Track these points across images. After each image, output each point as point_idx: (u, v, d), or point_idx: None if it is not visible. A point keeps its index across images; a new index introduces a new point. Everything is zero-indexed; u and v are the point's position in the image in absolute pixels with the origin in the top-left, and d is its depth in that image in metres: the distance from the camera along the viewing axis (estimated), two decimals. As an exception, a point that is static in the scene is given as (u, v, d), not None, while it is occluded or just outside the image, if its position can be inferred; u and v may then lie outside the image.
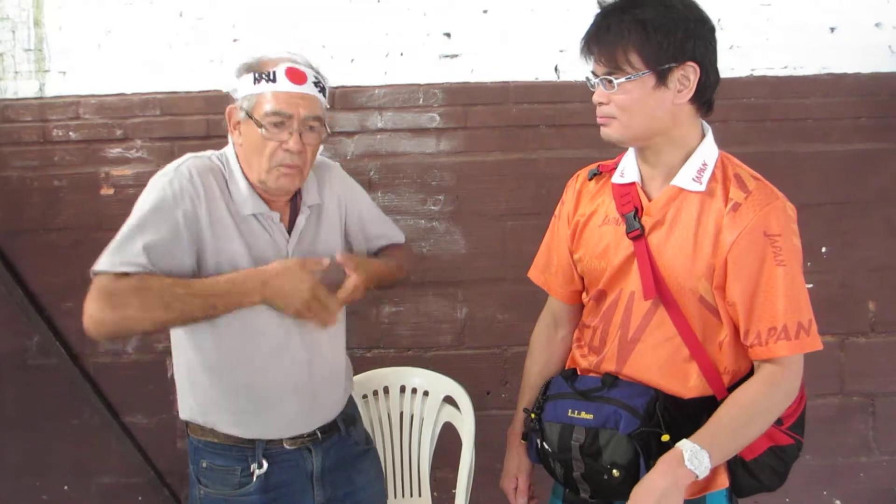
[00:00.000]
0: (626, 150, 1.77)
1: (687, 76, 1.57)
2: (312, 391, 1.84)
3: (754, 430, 1.62)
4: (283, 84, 1.71)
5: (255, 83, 1.72)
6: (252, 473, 1.80)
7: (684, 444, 1.54)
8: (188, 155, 1.78)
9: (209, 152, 1.82)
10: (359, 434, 2.00)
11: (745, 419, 1.60)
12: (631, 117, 1.60)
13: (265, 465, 1.80)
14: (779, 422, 1.67)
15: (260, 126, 1.71)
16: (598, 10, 1.64)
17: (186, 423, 1.87)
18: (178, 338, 1.81)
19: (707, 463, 1.53)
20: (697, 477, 1.53)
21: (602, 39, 1.60)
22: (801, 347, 1.58)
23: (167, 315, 1.62)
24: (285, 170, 1.73)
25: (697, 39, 1.57)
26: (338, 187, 1.96)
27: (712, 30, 1.62)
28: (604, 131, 1.66)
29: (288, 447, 1.83)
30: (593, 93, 1.65)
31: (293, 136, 1.71)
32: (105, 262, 1.64)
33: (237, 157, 1.80)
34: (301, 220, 1.83)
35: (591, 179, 1.82)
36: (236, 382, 1.78)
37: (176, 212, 1.68)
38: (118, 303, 1.59)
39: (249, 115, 1.72)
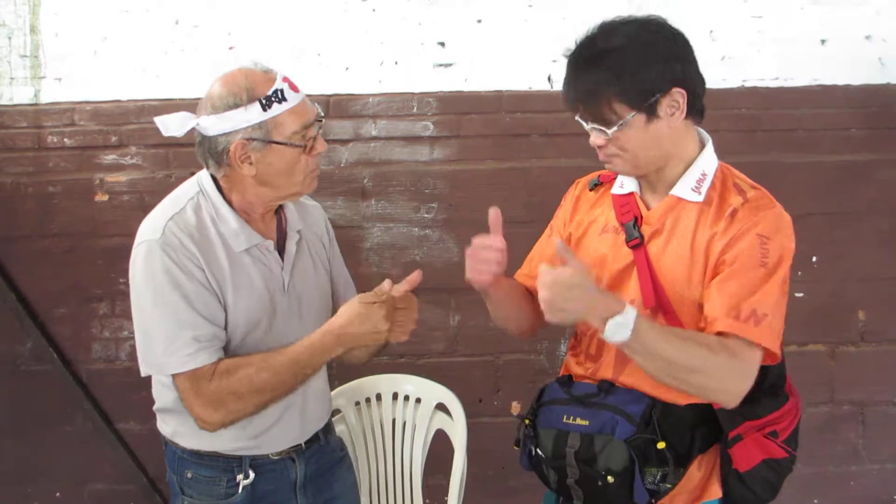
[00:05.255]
0: None
1: (675, 100, 1.57)
2: (304, 408, 1.86)
3: (682, 363, 1.50)
4: (292, 98, 1.68)
5: (265, 109, 1.64)
6: (238, 484, 1.80)
7: (630, 310, 1.47)
8: (165, 217, 1.70)
9: (184, 201, 1.74)
10: (335, 441, 2.03)
11: (688, 348, 1.50)
12: (634, 155, 1.61)
13: (251, 475, 1.80)
14: (774, 435, 1.67)
15: (300, 146, 1.69)
16: (568, 61, 1.61)
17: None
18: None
19: (624, 332, 1.45)
20: (605, 324, 1.46)
21: (582, 99, 1.59)
22: (741, 330, 1.51)
23: (263, 398, 1.69)
24: (316, 172, 1.78)
25: (674, 62, 1.56)
26: (322, 221, 2.01)
27: (686, 42, 1.60)
28: (610, 168, 1.67)
29: (273, 457, 1.84)
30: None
31: (318, 139, 1.74)
32: (171, 364, 1.66)
33: (220, 191, 1.75)
34: (291, 246, 1.83)
35: (591, 190, 1.83)
36: None
37: (191, 276, 1.67)
38: (218, 403, 1.67)
39: (270, 142, 1.66)
